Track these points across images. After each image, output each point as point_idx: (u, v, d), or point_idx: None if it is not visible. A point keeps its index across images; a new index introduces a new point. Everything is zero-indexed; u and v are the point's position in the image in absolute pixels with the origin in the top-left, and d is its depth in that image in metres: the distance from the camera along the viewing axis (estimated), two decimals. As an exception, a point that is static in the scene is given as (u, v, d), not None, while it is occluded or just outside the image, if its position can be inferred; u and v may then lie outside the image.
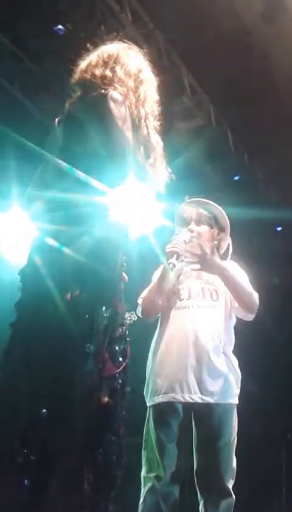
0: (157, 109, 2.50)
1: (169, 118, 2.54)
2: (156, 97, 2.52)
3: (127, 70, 2.43)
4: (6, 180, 4.62)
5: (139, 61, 2.52)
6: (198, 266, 3.25)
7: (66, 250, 2.10)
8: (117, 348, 2.14)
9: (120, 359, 2.14)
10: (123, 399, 2.14)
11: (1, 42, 5.09)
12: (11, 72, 5.23)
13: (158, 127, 2.48)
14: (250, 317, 3.27)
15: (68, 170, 2.16)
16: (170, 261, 3.01)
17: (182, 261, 3.19)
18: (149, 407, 3.13)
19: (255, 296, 3.22)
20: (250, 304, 3.21)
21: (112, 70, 2.40)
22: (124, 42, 2.58)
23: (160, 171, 2.42)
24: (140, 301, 3.24)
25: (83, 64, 2.46)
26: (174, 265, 2.99)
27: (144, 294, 3.27)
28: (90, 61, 2.45)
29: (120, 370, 2.13)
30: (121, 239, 2.27)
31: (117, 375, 2.13)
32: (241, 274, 3.28)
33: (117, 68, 2.41)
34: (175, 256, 3.01)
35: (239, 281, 3.20)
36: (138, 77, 2.45)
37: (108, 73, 2.38)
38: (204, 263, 3.18)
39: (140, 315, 3.13)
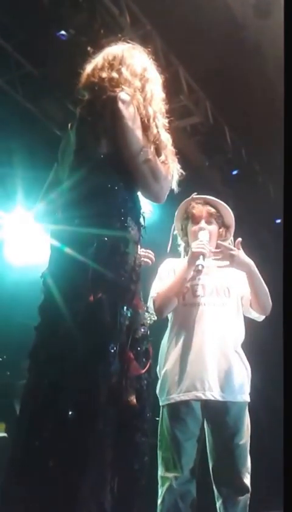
0: (164, 107, 2.50)
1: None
2: (162, 95, 2.51)
3: (133, 70, 2.43)
4: (11, 183, 4.64)
5: (144, 60, 2.52)
6: (206, 264, 3.23)
7: (84, 252, 2.09)
8: (139, 348, 2.14)
9: (144, 359, 2.14)
10: (149, 399, 2.14)
11: (4, 48, 5.09)
12: (14, 78, 5.23)
13: (167, 124, 2.47)
14: (261, 318, 3.27)
15: (82, 174, 2.17)
16: (198, 262, 3.02)
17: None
18: (163, 406, 3.10)
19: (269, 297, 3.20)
20: (267, 305, 3.19)
21: (118, 71, 2.40)
22: (128, 42, 2.58)
23: (172, 168, 2.41)
24: (154, 296, 3.16)
25: (89, 68, 2.47)
26: (203, 266, 3.00)
27: (159, 289, 3.19)
28: (96, 64, 2.46)
29: (145, 370, 2.14)
30: (137, 238, 2.28)
31: (142, 375, 2.13)
32: None
33: (123, 69, 2.41)
34: (201, 257, 3.03)
35: (261, 279, 3.16)
36: (144, 76, 2.45)
37: (115, 75, 2.38)
38: (233, 259, 3.11)
39: (153, 312, 3.10)
